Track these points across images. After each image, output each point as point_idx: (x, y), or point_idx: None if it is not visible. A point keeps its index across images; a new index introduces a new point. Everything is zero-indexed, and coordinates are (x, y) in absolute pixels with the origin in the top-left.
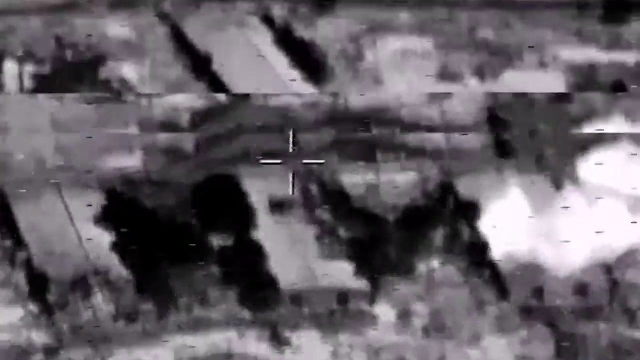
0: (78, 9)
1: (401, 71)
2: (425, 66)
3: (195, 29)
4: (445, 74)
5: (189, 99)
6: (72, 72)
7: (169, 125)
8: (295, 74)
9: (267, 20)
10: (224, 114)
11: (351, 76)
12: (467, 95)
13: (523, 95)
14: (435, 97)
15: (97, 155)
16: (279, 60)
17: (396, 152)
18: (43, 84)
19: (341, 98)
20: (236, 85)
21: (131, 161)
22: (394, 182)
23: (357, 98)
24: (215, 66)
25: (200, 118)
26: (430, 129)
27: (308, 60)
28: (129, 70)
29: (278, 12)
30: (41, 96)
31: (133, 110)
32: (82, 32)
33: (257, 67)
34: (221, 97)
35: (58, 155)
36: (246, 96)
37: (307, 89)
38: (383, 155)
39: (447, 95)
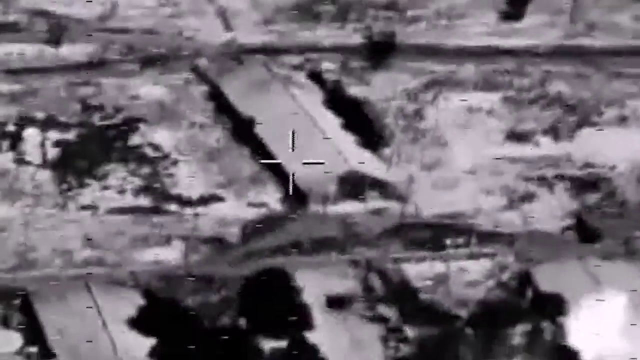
0: (106, 67)
1: (466, 131)
2: (492, 125)
3: (236, 88)
4: (515, 134)
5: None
6: (100, 139)
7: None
8: (347, 137)
9: (316, 76)
10: (279, 227)
11: (411, 138)
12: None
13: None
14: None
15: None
16: (330, 122)
17: (466, 237)
18: (68, 153)
19: (411, 205)
20: (282, 152)
21: (169, 253)
22: (465, 272)
23: (428, 203)
24: (259, 130)
25: (251, 231)
26: (511, 237)
27: (362, 122)
28: (162, 136)
29: (328, 67)
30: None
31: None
32: (111, 93)
33: (305, 130)
34: (276, 206)
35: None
36: (304, 203)
37: (361, 154)
38: (452, 241)
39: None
